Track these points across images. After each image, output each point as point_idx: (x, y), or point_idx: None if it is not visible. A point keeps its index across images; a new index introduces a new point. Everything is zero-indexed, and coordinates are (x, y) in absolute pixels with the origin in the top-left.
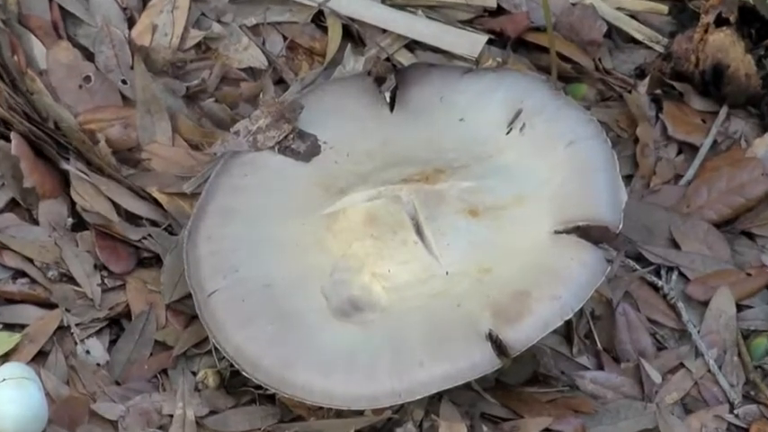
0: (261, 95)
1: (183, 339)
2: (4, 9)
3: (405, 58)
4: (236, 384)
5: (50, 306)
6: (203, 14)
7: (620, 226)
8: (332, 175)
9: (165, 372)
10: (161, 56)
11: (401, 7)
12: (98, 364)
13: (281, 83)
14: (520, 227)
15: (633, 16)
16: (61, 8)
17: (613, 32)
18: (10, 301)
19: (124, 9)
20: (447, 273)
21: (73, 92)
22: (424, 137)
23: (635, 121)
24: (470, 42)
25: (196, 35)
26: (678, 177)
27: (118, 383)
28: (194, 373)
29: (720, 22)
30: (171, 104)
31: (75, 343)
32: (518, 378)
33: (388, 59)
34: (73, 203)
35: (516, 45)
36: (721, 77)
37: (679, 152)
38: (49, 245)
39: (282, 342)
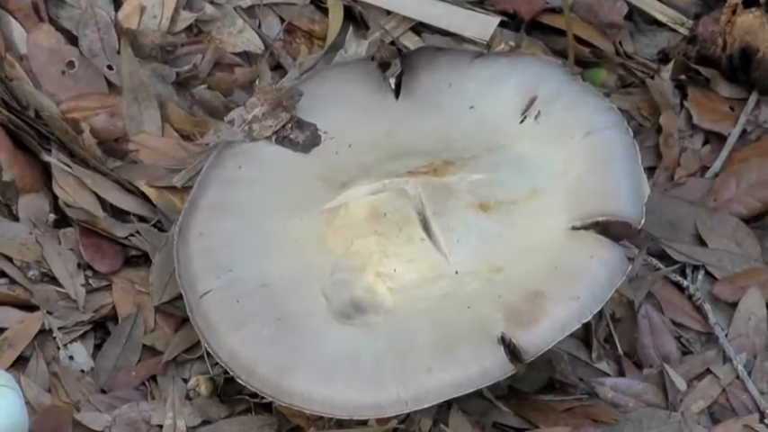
0: (257, 82)
1: (174, 344)
2: None
3: (411, 42)
4: (230, 392)
5: (31, 308)
6: None
7: (643, 221)
8: (333, 167)
9: (153, 379)
10: (149, 39)
11: None
12: (82, 371)
13: (278, 68)
14: (534, 222)
15: None
16: None
17: (635, 14)
18: None
19: None
20: (456, 272)
21: (55, 78)
22: (432, 126)
23: (658, 108)
24: (481, 24)
25: (187, 17)
26: (704, 169)
27: (103, 391)
28: (185, 381)
29: (749, 2)
30: (160, 92)
31: (58, 348)
32: (533, 385)
33: (392, 43)
34: (55, 198)
35: (530, 27)
36: (750, 62)
37: (705, 142)
38: (29, 242)
39: (280, 346)
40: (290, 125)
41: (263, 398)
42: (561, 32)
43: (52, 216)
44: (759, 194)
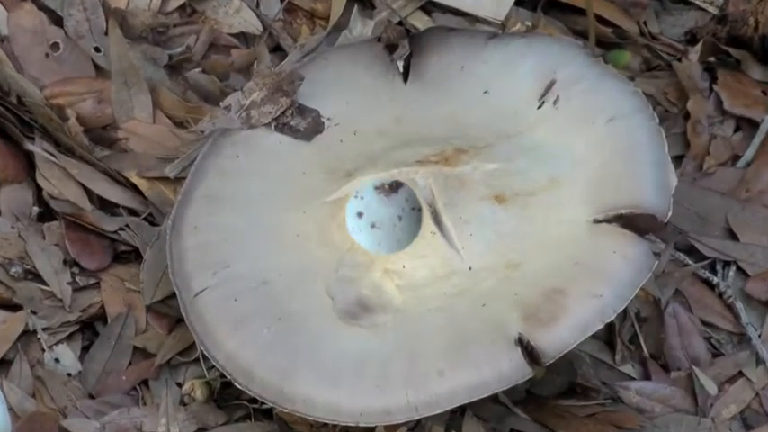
0: (255, 65)
1: (167, 346)
2: None
3: (420, 22)
4: (227, 397)
5: (14, 308)
6: None
7: (669, 214)
8: (337, 156)
9: (145, 383)
10: (139, 20)
11: None
12: (69, 375)
13: (277, 50)
14: (553, 215)
15: None
16: None
17: None
18: None
19: None
20: (470, 268)
21: (38, 61)
22: (443, 112)
23: (685, 93)
24: (496, 3)
25: None
26: (735, 158)
27: (92, 396)
28: (179, 385)
29: None
30: (151, 75)
31: (43, 350)
32: (552, 389)
33: (400, 23)
34: (39, 190)
35: (548, 6)
36: None
37: (736, 129)
38: (11, 237)
39: (281, 348)
40: (290, 111)
41: (262, 403)
42: (581, 11)
43: (36, 209)
44: None
